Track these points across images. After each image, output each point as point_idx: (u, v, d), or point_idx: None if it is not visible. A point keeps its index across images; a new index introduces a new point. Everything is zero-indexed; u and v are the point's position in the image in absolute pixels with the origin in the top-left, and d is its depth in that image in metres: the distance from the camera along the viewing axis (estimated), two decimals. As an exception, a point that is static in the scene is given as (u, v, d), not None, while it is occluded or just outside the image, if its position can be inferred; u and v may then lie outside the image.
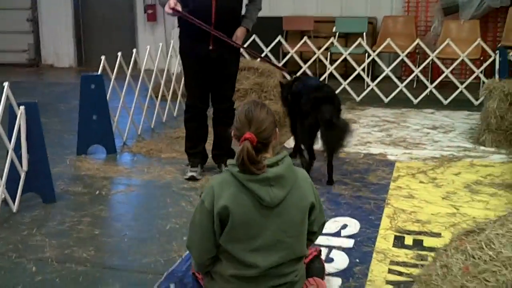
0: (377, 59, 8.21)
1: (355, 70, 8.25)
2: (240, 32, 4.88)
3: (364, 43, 8.25)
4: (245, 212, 2.56)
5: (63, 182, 4.90)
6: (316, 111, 4.66)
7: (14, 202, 4.24)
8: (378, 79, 8.08)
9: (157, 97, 6.80)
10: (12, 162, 4.21)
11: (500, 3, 8.69)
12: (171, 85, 7.15)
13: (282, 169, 2.59)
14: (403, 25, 9.47)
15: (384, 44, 8.02)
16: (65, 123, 6.93)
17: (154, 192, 4.77)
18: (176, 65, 7.22)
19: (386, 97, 7.90)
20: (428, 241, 3.77)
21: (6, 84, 4.17)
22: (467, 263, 2.57)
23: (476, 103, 7.58)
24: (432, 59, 8.05)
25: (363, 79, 8.43)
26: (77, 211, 4.31)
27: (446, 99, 7.77)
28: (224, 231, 2.62)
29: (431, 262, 2.84)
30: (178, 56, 6.86)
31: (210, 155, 5.24)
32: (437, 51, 7.98)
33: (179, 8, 4.64)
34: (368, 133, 6.39)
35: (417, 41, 8.06)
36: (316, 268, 2.95)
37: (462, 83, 7.88)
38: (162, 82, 6.90)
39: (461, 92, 7.77)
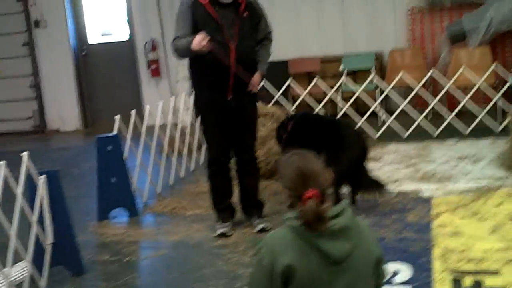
0: (391, 94, 8.06)
1: (366, 107, 8.09)
2: (257, 77, 4.79)
3: (376, 79, 8.10)
4: (312, 271, 2.33)
5: (89, 251, 4.67)
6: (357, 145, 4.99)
7: (41, 278, 4.00)
8: (395, 113, 7.88)
9: (173, 152, 6.60)
10: (36, 235, 3.98)
11: (507, 27, 8.57)
12: (185, 139, 6.96)
13: (346, 220, 2.36)
14: (411, 57, 9.34)
15: (398, 77, 7.87)
16: (80, 188, 6.70)
17: (186, 253, 4.53)
18: (189, 118, 7.05)
19: (403, 131, 7.69)
20: (489, 281, 3.54)
21: (25, 154, 3.97)
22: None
23: (497, 129, 7.37)
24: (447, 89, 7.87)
25: (376, 115, 8.25)
26: (109, 282, 4.07)
27: (464, 128, 7.56)
28: (288, 292, 2.38)
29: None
30: (190, 109, 6.75)
31: (236, 208, 5.02)
32: (452, 80, 7.81)
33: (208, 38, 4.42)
34: (395, 170, 6.16)
35: (432, 71, 7.91)
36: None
37: (479, 110, 7.68)
38: (177, 136, 6.72)
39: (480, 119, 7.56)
